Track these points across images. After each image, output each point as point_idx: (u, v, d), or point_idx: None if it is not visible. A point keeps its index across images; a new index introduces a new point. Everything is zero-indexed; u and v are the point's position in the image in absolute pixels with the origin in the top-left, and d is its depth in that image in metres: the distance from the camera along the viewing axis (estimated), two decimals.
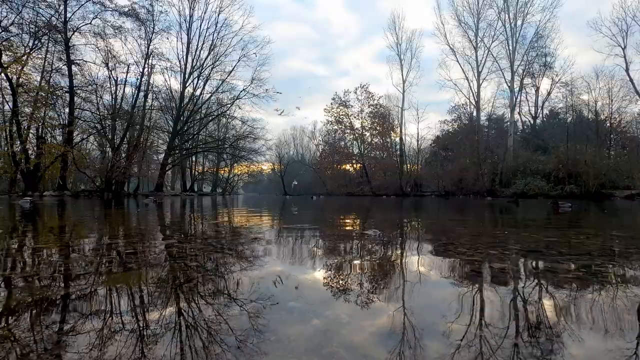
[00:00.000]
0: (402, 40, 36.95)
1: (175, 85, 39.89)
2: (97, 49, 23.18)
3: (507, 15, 30.89)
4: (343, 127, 41.27)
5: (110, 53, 23.72)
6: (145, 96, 27.10)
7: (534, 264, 2.13)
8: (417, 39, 53.71)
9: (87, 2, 21.59)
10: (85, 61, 22.84)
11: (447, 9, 54.88)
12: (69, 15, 21.36)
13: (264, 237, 3.30)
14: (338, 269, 1.98)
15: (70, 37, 21.52)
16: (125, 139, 25.32)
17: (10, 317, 1.19)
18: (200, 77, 31.05)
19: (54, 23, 20.67)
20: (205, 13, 30.86)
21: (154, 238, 3.31)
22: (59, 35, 20.99)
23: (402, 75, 36.45)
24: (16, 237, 3.26)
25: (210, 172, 47.61)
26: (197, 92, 31.56)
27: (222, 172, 48.54)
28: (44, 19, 20.14)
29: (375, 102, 39.52)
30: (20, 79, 19.54)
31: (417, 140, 37.41)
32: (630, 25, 26.47)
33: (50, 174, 23.37)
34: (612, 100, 26.78)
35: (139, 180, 33.65)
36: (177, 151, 32.12)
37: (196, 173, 45.22)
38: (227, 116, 36.25)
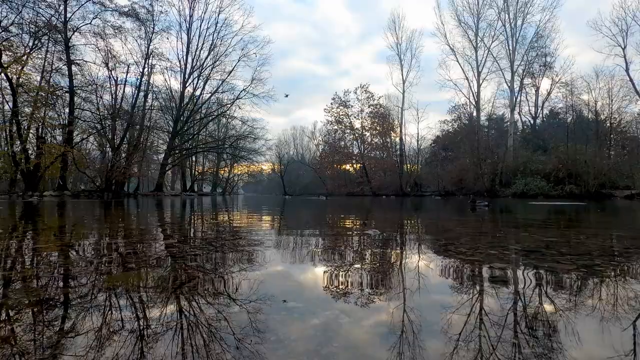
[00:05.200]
0: (402, 40, 37.02)
1: (175, 85, 39.96)
2: (97, 49, 23.19)
3: (507, 15, 30.92)
4: (343, 127, 41.35)
5: (110, 53, 23.72)
6: (145, 96, 27.12)
7: (533, 264, 2.13)
8: (417, 39, 54.08)
9: (87, 2, 21.61)
10: (85, 61, 22.85)
11: (447, 9, 54.91)
12: (69, 15, 21.37)
13: (264, 237, 3.30)
14: (338, 269, 1.98)
15: (70, 37, 21.51)
16: (125, 139, 25.29)
17: (13, 312, 1.19)
18: (200, 77, 31.09)
19: (54, 23, 20.64)
20: (205, 13, 30.99)
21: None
22: (59, 35, 20.96)
23: (402, 75, 36.51)
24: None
25: (210, 172, 47.59)
26: (197, 92, 31.61)
27: (222, 172, 48.56)
28: (44, 19, 20.14)
29: (375, 102, 39.63)
30: (20, 79, 19.50)
31: (417, 140, 37.46)
32: (630, 25, 26.49)
33: (50, 174, 23.33)
34: (612, 100, 26.75)
35: (139, 180, 33.64)
36: (177, 151, 32.10)
37: (196, 173, 45.21)
38: (227, 116, 36.26)
